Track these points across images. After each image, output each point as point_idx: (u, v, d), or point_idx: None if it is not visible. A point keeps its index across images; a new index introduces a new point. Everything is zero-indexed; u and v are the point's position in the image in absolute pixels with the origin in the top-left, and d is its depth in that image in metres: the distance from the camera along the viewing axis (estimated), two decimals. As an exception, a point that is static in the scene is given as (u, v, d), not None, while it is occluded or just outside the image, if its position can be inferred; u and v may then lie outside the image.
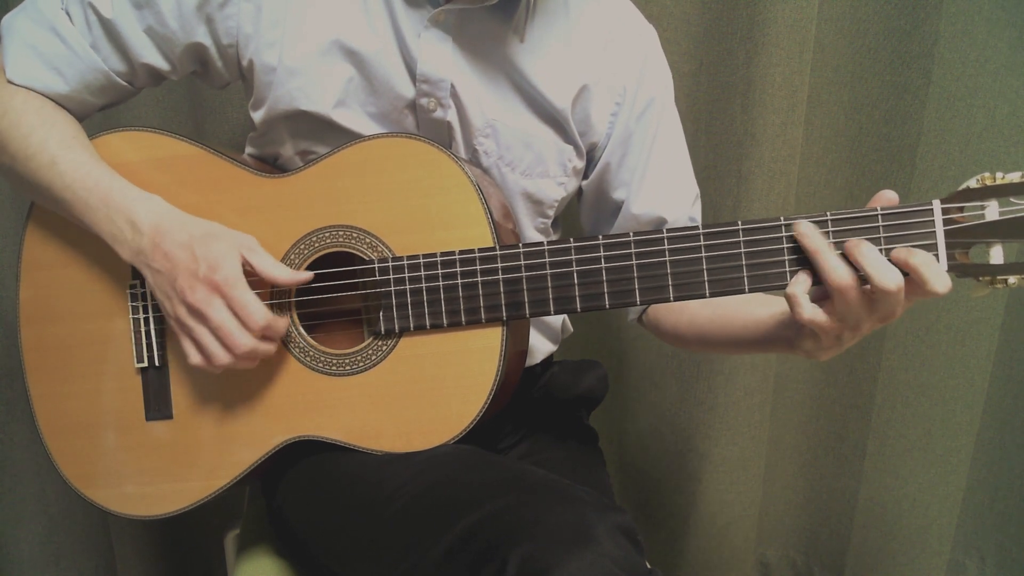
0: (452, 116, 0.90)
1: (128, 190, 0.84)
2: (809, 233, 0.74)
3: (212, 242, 0.81)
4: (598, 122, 0.96)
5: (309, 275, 0.84)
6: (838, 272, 0.72)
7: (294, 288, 0.87)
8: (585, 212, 1.05)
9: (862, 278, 0.72)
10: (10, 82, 0.87)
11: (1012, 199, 0.72)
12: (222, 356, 0.80)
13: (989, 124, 1.30)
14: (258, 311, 0.79)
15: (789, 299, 0.75)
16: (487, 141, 0.92)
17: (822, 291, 0.75)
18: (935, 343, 1.41)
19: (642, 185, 0.98)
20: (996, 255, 0.73)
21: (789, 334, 0.82)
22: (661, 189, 0.99)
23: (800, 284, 0.75)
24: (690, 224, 0.96)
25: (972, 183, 0.74)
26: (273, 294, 0.87)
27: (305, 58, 0.87)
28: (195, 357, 0.82)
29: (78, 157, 0.84)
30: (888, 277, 0.71)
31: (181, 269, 0.80)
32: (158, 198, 0.85)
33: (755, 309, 0.88)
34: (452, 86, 0.88)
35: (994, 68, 1.27)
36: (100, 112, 0.94)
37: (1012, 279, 0.73)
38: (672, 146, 1.01)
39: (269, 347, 0.83)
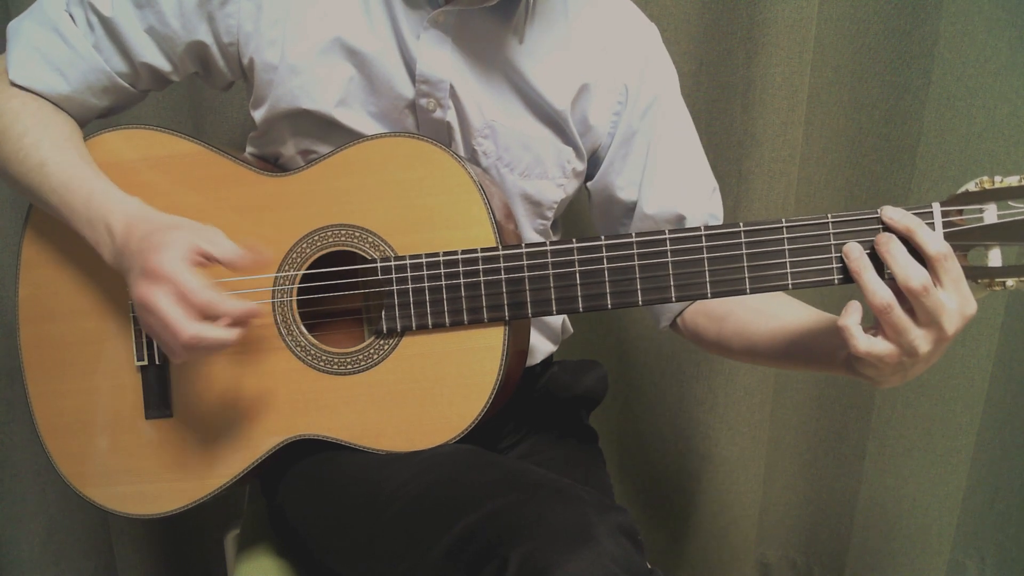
0: (451, 116, 0.90)
1: (108, 194, 0.82)
2: (853, 255, 0.73)
3: (162, 233, 0.77)
4: (600, 122, 0.96)
5: (268, 253, 0.79)
6: (877, 293, 0.71)
7: (295, 286, 0.87)
8: (596, 216, 1.05)
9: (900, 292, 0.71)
10: (13, 83, 0.87)
11: (1010, 202, 0.72)
12: (172, 346, 0.75)
13: (989, 124, 1.30)
14: (196, 289, 0.74)
15: (842, 331, 0.72)
16: (486, 142, 0.92)
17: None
18: (935, 343, 1.41)
19: (652, 184, 0.97)
20: (994, 258, 0.74)
21: (845, 353, 0.78)
22: (672, 185, 0.97)
23: (853, 315, 0.72)
24: (711, 220, 0.96)
25: (971, 186, 0.74)
26: (275, 293, 0.87)
27: (306, 57, 0.87)
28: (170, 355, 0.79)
29: (67, 159, 0.84)
30: (911, 274, 0.70)
31: (133, 263, 0.77)
32: (135, 200, 0.82)
33: (808, 319, 0.86)
34: (451, 87, 0.88)
35: (994, 68, 1.27)
36: (103, 117, 0.95)
37: (1010, 281, 0.73)
38: (680, 141, 1.00)
39: (221, 334, 0.75)
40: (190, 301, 0.74)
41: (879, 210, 0.75)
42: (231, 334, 0.76)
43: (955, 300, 0.71)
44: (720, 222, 1.00)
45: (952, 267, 0.71)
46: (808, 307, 0.90)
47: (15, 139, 0.84)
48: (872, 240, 0.74)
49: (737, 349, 0.94)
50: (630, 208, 0.99)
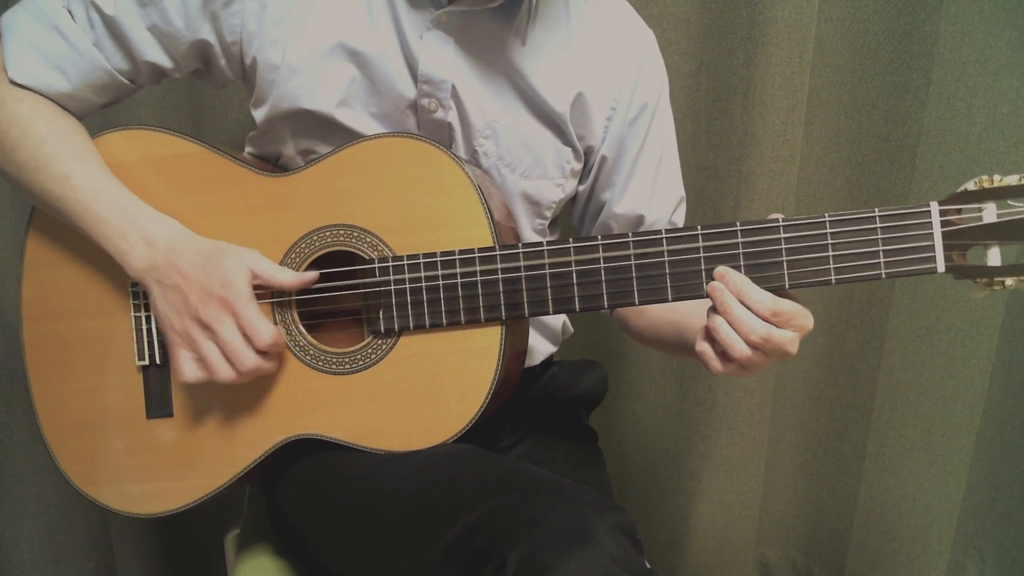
0: (453, 117, 0.90)
1: (143, 208, 0.85)
2: (718, 327, 0.76)
3: (223, 258, 0.82)
4: (595, 127, 0.97)
5: (314, 275, 0.85)
6: (735, 346, 0.75)
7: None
8: (575, 214, 1.07)
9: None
10: (12, 81, 0.87)
11: (1010, 201, 0.72)
12: (226, 371, 0.81)
13: (989, 124, 1.30)
14: (265, 330, 0.81)
15: (700, 355, 0.79)
16: (487, 142, 0.92)
17: None
18: (935, 343, 1.41)
19: (627, 186, 1.00)
20: (994, 257, 0.73)
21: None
22: (644, 189, 1.01)
23: (704, 342, 0.79)
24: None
25: (970, 185, 0.74)
26: (274, 293, 0.87)
27: (308, 57, 0.87)
28: (192, 372, 0.82)
29: (91, 171, 0.85)
30: (750, 342, 0.74)
31: (195, 286, 0.81)
32: (173, 220, 0.86)
33: (695, 320, 0.89)
34: (453, 87, 0.89)
35: (994, 68, 1.27)
36: (100, 111, 0.95)
37: (1009, 281, 0.73)
38: (662, 149, 1.02)
39: (272, 364, 0.84)
40: (258, 338, 0.81)
41: (716, 270, 0.77)
42: (275, 364, 0.86)
43: (793, 334, 0.76)
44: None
45: (784, 312, 0.74)
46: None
47: (32, 148, 0.85)
48: (866, 240, 0.75)
49: (651, 340, 1.02)
50: (603, 206, 1.02)
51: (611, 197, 1.01)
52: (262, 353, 0.82)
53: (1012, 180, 0.72)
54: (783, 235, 0.77)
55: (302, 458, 0.90)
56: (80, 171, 0.84)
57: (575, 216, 1.08)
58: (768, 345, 0.74)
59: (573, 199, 1.05)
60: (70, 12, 0.86)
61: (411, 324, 0.84)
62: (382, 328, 0.85)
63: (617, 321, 1.08)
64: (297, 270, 0.87)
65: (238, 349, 0.81)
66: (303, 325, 0.88)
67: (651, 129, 1.00)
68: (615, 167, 1.00)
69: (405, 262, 0.84)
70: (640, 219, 1.02)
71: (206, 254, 0.83)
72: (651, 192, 1.01)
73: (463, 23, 0.88)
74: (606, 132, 0.98)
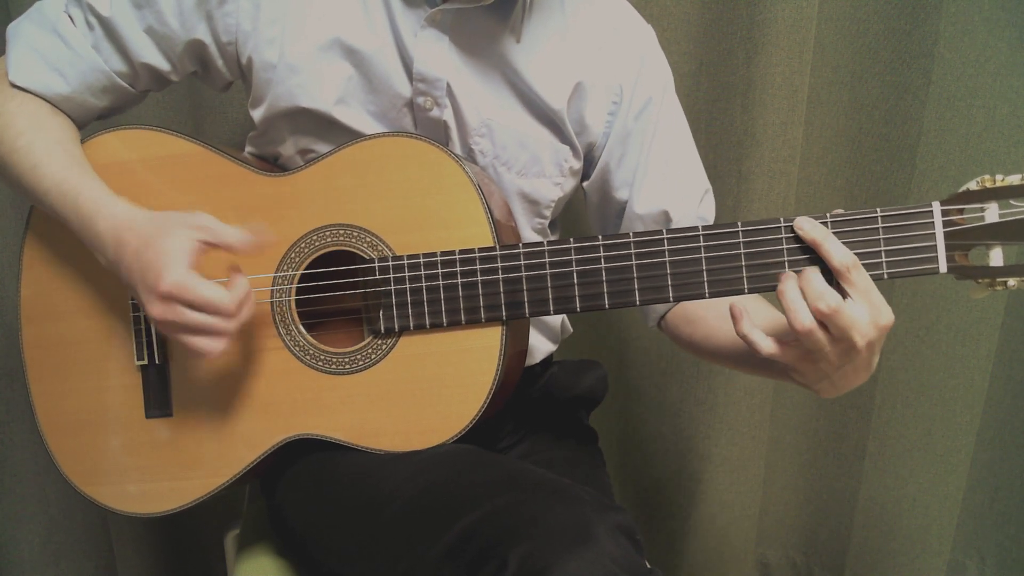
0: (448, 115, 0.90)
1: (96, 200, 0.82)
2: (786, 291, 0.73)
3: (157, 243, 0.77)
4: (595, 122, 0.96)
5: (271, 235, 0.82)
6: (799, 314, 0.72)
7: (293, 286, 0.87)
8: (592, 215, 1.05)
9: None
10: (12, 84, 0.87)
11: (1012, 201, 0.72)
12: (215, 345, 0.78)
13: (989, 124, 1.30)
14: (223, 299, 0.76)
15: (744, 338, 0.76)
16: (483, 140, 0.92)
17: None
18: (935, 343, 1.41)
19: (644, 183, 0.98)
20: (996, 257, 0.73)
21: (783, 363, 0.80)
22: (662, 185, 0.98)
23: (745, 322, 0.76)
24: (701, 223, 0.95)
25: (972, 185, 0.74)
26: (273, 292, 0.87)
27: (305, 55, 0.87)
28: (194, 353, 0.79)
29: (57, 163, 0.84)
30: (822, 298, 0.71)
31: (137, 281, 0.78)
32: (122, 205, 0.82)
33: (763, 325, 0.87)
34: (448, 85, 0.89)
35: (994, 68, 1.27)
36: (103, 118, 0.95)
37: (1012, 281, 0.73)
38: (673, 142, 1.00)
39: (252, 308, 0.81)
40: (221, 309, 0.76)
41: (793, 221, 0.75)
42: (252, 309, 0.81)
43: (865, 310, 0.72)
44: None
45: (859, 278, 0.72)
46: (771, 314, 0.89)
47: (10, 141, 0.85)
48: (868, 240, 0.75)
49: (706, 352, 0.97)
50: (623, 207, 1.00)
51: (629, 196, 0.98)
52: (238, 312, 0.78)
53: (1014, 180, 0.72)
54: (784, 235, 0.77)
55: (302, 458, 0.90)
56: (46, 162, 0.84)
57: (595, 223, 1.05)
58: (836, 318, 0.70)
59: (587, 205, 1.04)
60: (70, 16, 0.87)
61: (411, 324, 0.84)
62: (382, 328, 0.85)
63: (667, 334, 1.03)
64: (296, 270, 0.87)
65: (211, 326, 0.76)
66: (303, 325, 0.88)
67: (659, 122, 0.98)
68: (624, 163, 0.98)
69: (405, 262, 0.84)
70: (665, 215, 0.98)
71: (145, 240, 0.78)
72: (670, 186, 0.98)
73: (457, 21, 0.88)
74: (609, 127, 0.97)
